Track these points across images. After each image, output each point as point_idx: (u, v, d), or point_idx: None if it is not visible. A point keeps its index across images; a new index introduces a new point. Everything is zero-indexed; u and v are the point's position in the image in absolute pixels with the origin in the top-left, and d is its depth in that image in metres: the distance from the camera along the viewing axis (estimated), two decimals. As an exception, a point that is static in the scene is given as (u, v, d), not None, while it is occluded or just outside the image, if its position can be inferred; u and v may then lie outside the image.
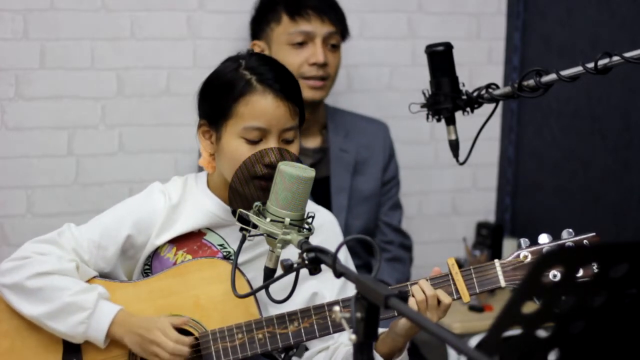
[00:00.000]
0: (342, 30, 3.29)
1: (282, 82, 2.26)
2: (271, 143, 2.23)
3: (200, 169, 2.43)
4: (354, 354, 1.62)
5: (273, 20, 3.23)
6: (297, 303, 2.23)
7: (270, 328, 2.19)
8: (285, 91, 2.25)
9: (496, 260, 2.21)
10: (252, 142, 2.23)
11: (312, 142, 3.31)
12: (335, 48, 3.26)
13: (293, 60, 3.17)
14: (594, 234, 2.19)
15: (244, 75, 2.25)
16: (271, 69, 2.27)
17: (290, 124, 2.25)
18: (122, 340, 2.23)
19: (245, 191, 2.19)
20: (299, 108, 2.28)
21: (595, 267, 1.51)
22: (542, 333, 1.51)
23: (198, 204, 2.34)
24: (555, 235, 2.21)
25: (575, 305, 1.52)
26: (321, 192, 3.25)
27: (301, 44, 3.20)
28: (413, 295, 2.14)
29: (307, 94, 3.15)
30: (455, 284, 2.19)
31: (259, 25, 3.28)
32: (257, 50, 3.24)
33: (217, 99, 2.28)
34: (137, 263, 2.36)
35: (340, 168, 3.31)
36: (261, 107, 2.23)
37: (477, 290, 2.20)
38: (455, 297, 2.18)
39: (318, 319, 2.19)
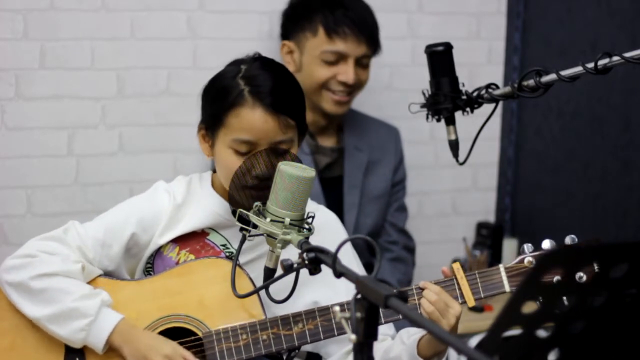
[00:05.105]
0: (375, 49, 3.26)
1: (275, 94, 2.23)
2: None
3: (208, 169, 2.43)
4: (354, 354, 1.62)
5: (309, 30, 3.19)
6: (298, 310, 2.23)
7: (275, 329, 2.19)
8: (277, 105, 2.22)
9: (501, 265, 2.21)
10: (242, 154, 2.23)
11: (329, 141, 3.31)
12: (366, 66, 3.25)
13: (322, 74, 3.16)
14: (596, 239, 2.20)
15: (238, 85, 2.25)
16: (268, 80, 2.25)
17: (281, 138, 2.23)
18: (121, 350, 2.21)
19: (238, 199, 2.21)
20: (295, 120, 2.26)
21: (595, 268, 1.51)
22: (542, 333, 1.51)
23: (202, 204, 2.34)
24: (559, 241, 2.20)
25: (575, 305, 1.52)
26: (335, 191, 3.26)
27: (333, 62, 3.19)
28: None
29: (331, 107, 3.18)
30: (460, 289, 2.20)
31: (293, 26, 3.23)
32: (285, 50, 3.23)
33: (213, 106, 2.29)
34: (140, 261, 2.36)
35: (353, 166, 3.31)
36: (249, 121, 2.22)
37: (482, 295, 2.21)
38: (460, 301, 2.19)
39: (322, 321, 2.19)
